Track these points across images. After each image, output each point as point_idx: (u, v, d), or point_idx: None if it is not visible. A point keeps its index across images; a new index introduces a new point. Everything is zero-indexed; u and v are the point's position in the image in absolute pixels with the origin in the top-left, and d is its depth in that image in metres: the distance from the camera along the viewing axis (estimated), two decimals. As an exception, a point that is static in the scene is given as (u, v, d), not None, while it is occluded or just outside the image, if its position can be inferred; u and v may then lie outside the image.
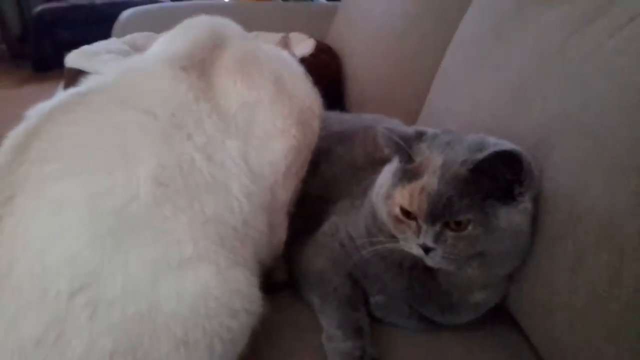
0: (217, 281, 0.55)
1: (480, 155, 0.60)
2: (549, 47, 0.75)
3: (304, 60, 1.65)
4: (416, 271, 0.69)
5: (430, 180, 0.63)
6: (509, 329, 0.74)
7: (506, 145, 0.63)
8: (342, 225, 0.78)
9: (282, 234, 0.79)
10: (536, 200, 0.65)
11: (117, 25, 1.95)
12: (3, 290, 0.48)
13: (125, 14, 2.01)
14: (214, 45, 0.73)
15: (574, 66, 0.69)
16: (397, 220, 0.66)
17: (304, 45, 1.79)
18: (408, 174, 0.66)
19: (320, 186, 0.88)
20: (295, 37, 1.89)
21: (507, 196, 0.62)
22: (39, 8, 3.94)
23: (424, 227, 0.63)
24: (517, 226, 0.62)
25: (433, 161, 0.65)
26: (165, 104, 0.62)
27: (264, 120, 0.71)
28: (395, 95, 1.39)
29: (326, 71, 1.72)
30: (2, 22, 4.45)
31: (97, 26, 2.11)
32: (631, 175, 0.54)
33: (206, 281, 0.55)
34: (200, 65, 0.69)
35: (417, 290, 0.70)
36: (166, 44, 0.74)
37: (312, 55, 1.71)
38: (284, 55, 0.89)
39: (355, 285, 0.74)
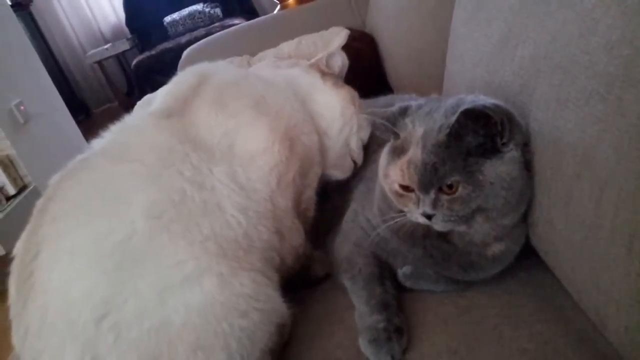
0: (220, 288, 0.63)
1: (452, 119, 0.63)
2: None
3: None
4: (430, 238, 0.72)
5: (414, 153, 0.66)
6: (543, 273, 0.74)
7: (479, 101, 0.65)
8: (360, 209, 0.83)
9: (294, 237, 0.83)
10: (526, 146, 0.66)
11: (181, 65, 1.97)
12: (43, 329, 0.60)
13: (186, 52, 2.06)
14: (198, 84, 0.82)
15: (545, 2, 0.68)
16: (398, 195, 0.70)
17: (337, 39, 1.83)
18: (397, 150, 0.70)
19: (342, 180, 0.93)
20: (332, 32, 1.92)
21: (493, 150, 0.64)
22: (134, 61, 4.34)
23: (421, 196, 0.66)
24: (507, 176, 0.63)
25: (416, 133, 0.68)
26: (152, 151, 0.71)
27: (244, 142, 0.78)
28: (425, 68, 1.37)
29: (359, 58, 1.74)
30: (110, 82, 5.02)
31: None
32: (594, 102, 0.53)
33: (210, 290, 0.63)
34: (182, 108, 0.78)
35: (435, 255, 0.73)
36: (159, 98, 0.84)
37: (343, 47, 1.75)
38: (277, 78, 0.95)
39: (379, 262, 0.78)
